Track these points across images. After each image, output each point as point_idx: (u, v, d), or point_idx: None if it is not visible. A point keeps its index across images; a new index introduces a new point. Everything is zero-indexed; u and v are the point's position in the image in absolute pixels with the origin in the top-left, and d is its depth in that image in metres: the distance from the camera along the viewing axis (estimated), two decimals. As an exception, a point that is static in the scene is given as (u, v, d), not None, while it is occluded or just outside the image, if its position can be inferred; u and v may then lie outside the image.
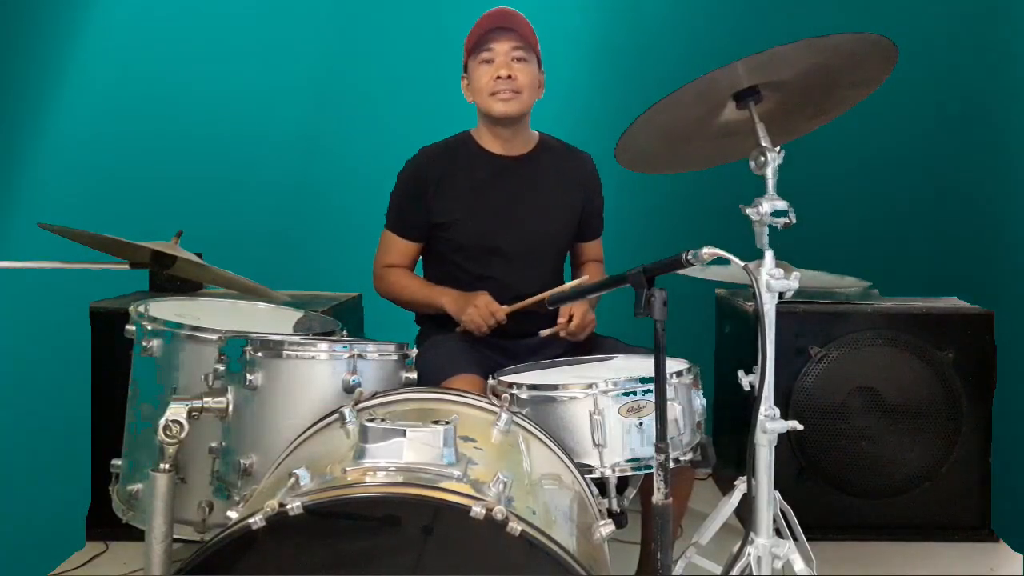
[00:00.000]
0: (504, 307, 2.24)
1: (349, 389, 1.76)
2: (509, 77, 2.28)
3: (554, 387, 1.77)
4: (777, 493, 1.80)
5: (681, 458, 1.76)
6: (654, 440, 1.43)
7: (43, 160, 3.07)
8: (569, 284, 2.29)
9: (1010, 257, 3.17)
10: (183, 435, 1.70)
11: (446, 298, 2.32)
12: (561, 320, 2.22)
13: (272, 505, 1.24)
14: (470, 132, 2.43)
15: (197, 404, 1.74)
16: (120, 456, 2.13)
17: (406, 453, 1.36)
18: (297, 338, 1.84)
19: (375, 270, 2.47)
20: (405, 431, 1.37)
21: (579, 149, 2.50)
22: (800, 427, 1.79)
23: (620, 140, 1.78)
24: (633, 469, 1.74)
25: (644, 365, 1.94)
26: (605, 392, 1.73)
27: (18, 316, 2.84)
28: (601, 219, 2.56)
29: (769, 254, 1.71)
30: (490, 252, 2.36)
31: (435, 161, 2.38)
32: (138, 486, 2.03)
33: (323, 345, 1.80)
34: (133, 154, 3.39)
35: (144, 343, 2.05)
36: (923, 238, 3.52)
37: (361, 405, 1.64)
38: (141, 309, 2.11)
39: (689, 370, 1.83)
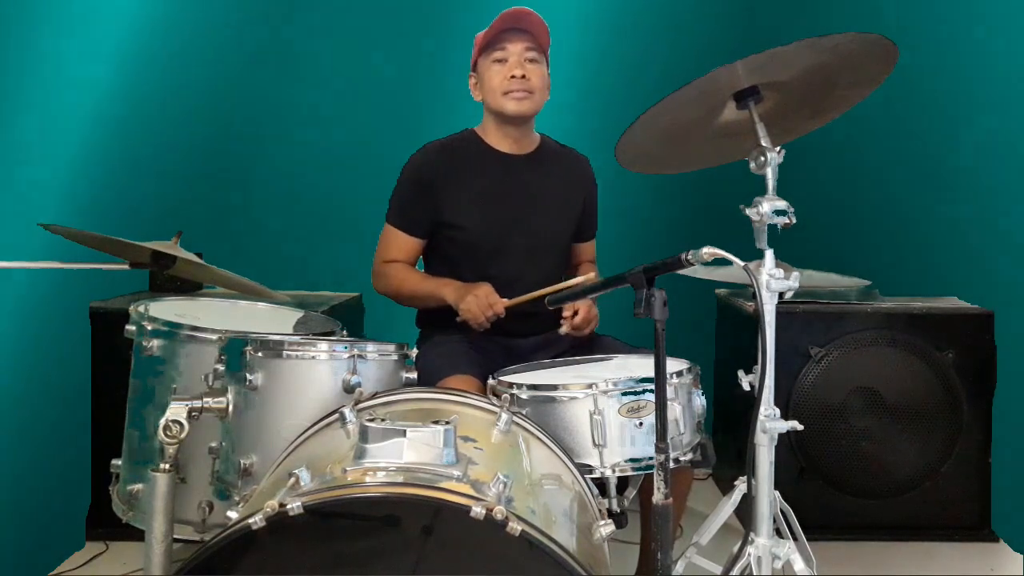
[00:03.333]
0: (504, 300, 2.22)
1: (349, 389, 1.76)
2: (523, 77, 2.28)
3: (554, 387, 1.77)
4: (777, 493, 1.80)
5: (681, 458, 1.76)
6: (654, 440, 1.43)
7: (43, 160, 3.07)
8: (568, 283, 2.26)
9: (1010, 257, 3.17)
10: (183, 435, 1.70)
11: (447, 288, 2.27)
12: (566, 315, 2.22)
13: (272, 505, 1.24)
14: (474, 130, 2.42)
15: (197, 404, 1.74)
16: (120, 456, 2.13)
17: (406, 453, 1.36)
18: (297, 338, 1.84)
19: (375, 267, 2.41)
20: (405, 431, 1.37)
21: (576, 151, 2.51)
22: (800, 427, 1.79)
23: (620, 140, 1.78)
24: (633, 469, 1.74)
25: (644, 365, 1.94)
26: (605, 392, 1.73)
27: (18, 316, 2.84)
28: (596, 221, 2.57)
29: (769, 254, 1.71)
30: (496, 250, 2.34)
31: (442, 157, 2.35)
32: (138, 486, 2.03)
33: (323, 345, 1.80)
34: (133, 154, 3.38)
35: (144, 343, 2.05)
36: (923, 238, 3.52)
37: (361, 405, 1.64)
38: (141, 309, 2.11)
39: (689, 370, 1.83)
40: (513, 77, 2.28)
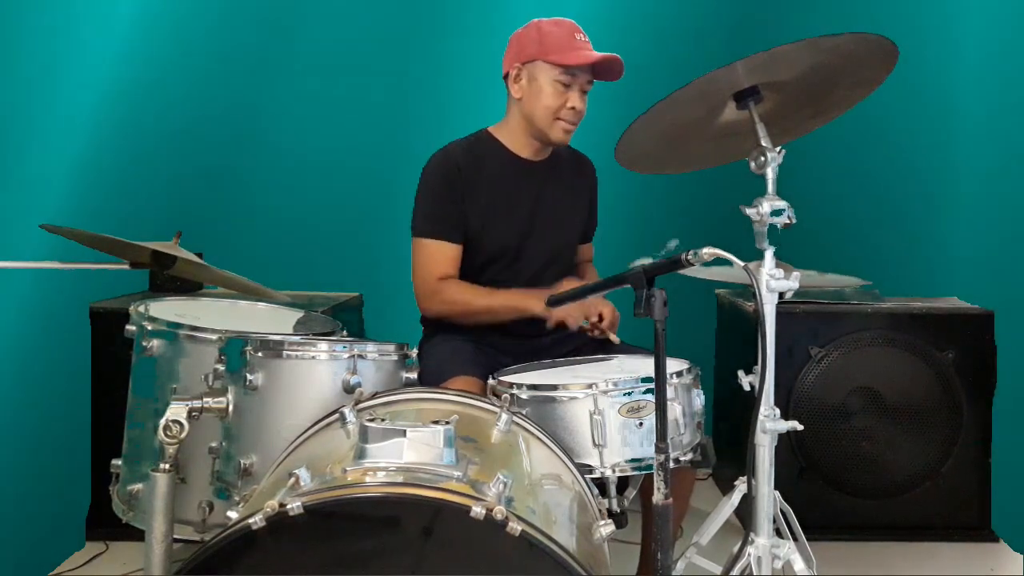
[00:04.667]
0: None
1: (349, 389, 1.76)
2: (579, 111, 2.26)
3: (554, 387, 1.77)
4: (777, 493, 1.80)
5: (681, 458, 1.76)
6: (654, 440, 1.43)
7: (43, 160, 3.07)
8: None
9: (1010, 257, 3.17)
10: (183, 435, 1.70)
11: (531, 300, 2.18)
12: (593, 320, 2.20)
13: (272, 505, 1.24)
14: (489, 131, 2.38)
15: (197, 404, 1.74)
16: (120, 456, 2.13)
17: (406, 453, 1.36)
18: (297, 338, 1.84)
19: (426, 286, 2.26)
20: (405, 431, 1.37)
21: (581, 153, 2.51)
22: (800, 427, 1.79)
23: (620, 140, 1.78)
24: (633, 469, 1.74)
25: (644, 365, 1.94)
26: (605, 392, 1.73)
27: (18, 316, 2.84)
28: (596, 222, 2.57)
29: (769, 254, 1.71)
30: (515, 256, 2.32)
31: (467, 159, 2.29)
32: (138, 486, 2.03)
33: (323, 345, 1.80)
34: (133, 154, 3.38)
35: (144, 343, 2.05)
36: (923, 238, 3.52)
37: (361, 405, 1.64)
38: (141, 309, 2.11)
39: (689, 370, 1.83)
40: (573, 108, 2.25)
